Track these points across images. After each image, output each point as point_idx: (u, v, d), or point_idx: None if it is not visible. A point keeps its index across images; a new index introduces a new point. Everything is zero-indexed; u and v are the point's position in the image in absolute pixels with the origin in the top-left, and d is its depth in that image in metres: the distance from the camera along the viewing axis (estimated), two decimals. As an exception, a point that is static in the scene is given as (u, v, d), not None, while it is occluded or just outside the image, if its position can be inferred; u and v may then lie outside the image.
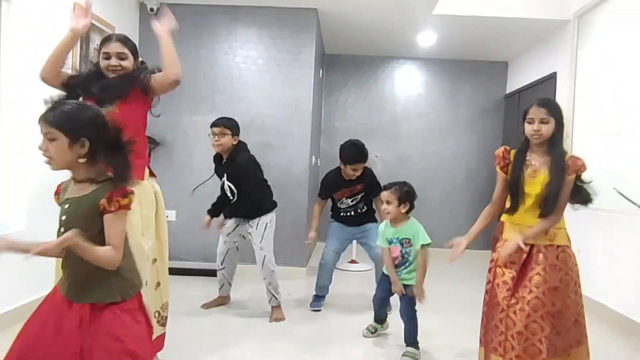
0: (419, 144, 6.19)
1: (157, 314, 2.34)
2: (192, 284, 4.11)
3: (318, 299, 3.63)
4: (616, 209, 3.54)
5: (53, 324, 1.50)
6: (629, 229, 3.43)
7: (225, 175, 3.34)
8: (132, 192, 1.54)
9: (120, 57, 2.19)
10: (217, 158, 3.43)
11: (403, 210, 2.79)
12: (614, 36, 3.82)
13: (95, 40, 3.70)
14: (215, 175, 3.52)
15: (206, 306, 3.52)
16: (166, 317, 2.45)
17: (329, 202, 3.74)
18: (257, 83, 4.60)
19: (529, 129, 2.25)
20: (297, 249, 4.60)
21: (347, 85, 6.22)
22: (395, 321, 3.04)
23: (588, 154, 4.07)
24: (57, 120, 1.45)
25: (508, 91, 6.09)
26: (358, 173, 3.47)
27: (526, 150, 2.31)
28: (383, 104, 6.21)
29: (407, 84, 6.23)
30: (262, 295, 3.45)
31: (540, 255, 2.21)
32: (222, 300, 3.60)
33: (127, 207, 1.52)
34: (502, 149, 2.41)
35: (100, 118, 1.54)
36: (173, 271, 4.21)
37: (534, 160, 2.28)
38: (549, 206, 2.18)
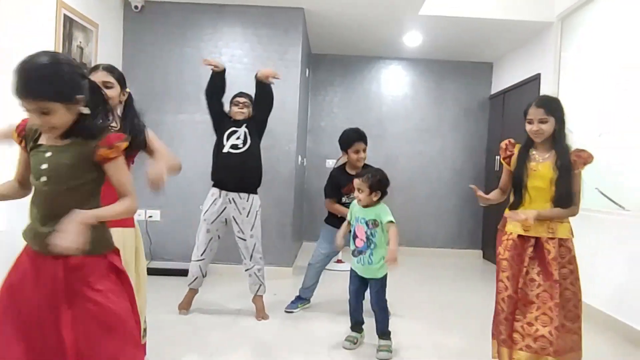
0: (405, 144, 6.21)
1: None
2: (175, 284, 4.07)
3: (297, 300, 3.58)
4: (598, 208, 3.59)
5: (31, 276, 1.46)
6: (611, 228, 3.49)
7: (242, 127, 3.36)
8: (126, 138, 1.52)
9: (106, 85, 2.12)
10: (225, 114, 3.45)
11: (374, 199, 2.81)
12: (596, 38, 3.87)
13: (78, 37, 3.65)
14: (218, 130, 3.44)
15: (184, 309, 3.39)
16: (145, 329, 2.32)
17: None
18: (243, 82, 4.55)
19: (529, 128, 2.33)
20: (283, 248, 4.59)
21: (334, 85, 6.22)
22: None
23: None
24: (44, 92, 1.34)
25: (493, 92, 6.14)
26: (363, 155, 3.43)
27: (530, 147, 2.39)
28: (369, 104, 6.22)
29: (393, 84, 6.25)
30: (242, 294, 3.41)
31: (544, 251, 2.27)
32: (194, 293, 3.46)
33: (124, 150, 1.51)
34: (506, 141, 2.50)
35: (78, 68, 1.47)
36: (157, 272, 4.22)
37: (538, 155, 2.35)
38: (562, 202, 2.26)
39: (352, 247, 2.91)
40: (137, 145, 2.08)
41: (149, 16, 4.50)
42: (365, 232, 2.80)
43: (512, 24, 4.71)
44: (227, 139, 3.34)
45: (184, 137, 4.52)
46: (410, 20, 4.75)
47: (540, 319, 2.20)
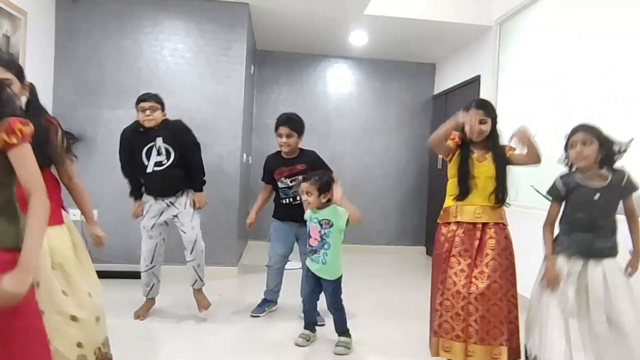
0: (351, 142, 6.26)
1: (97, 351, 2.03)
2: (117, 287, 3.89)
3: (263, 303, 3.47)
4: (531, 205, 3.75)
5: None
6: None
7: (157, 139, 3.12)
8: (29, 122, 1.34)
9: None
10: (135, 130, 3.18)
11: (323, 200, 2.80)
12: (532, 43, 4.05)
13: (4, 26, 3.40)
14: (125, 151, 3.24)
15: (140, 316, 3.27)
16: (107, 353, 2.15)
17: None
18: (185, 77, 4.44)
19: (469, 129, 2.45)
20: (228, 248, 4.50)
21: (279, 83, 6.17)
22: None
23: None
24: None
25: (436, 92, 6.30)
26: (285, 140, 3.26)
27: (469, 144, 2.52)
28: (315, 101, 6.21)
29: (339, 83, 6.27)
30: (187, 298, 3.32)
31: (493, 241, 2.38)
32: (152, 303, 3.39)
33: (30, 137, 1.33)
34: (456, 134, 2.55)
35: None
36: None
37: (477, 152, 2.50)
38: (500, 194, 2.43)
39: (307, 247, 2.89)
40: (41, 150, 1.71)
41: (85, 6, 4.26)
42: (319, 232, 2.78)
43: (453, 27, 4.84)
44: (148, 157, 3.15)
45: (122, 134, 4.32)
46: (355, 19, 4.77)
47: (492, 311, 2.27)
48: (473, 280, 2.33)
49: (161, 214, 3.21)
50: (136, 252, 4.27)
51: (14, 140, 1.30)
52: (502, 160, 2.47)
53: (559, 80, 3.64)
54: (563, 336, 2.15)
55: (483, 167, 2.46)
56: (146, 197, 3.26)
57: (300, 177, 3.19)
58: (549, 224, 2.38)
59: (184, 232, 3.22)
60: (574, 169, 2.34)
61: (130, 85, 4.33)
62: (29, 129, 1.34)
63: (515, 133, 2.36)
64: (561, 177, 2.37)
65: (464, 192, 2.46)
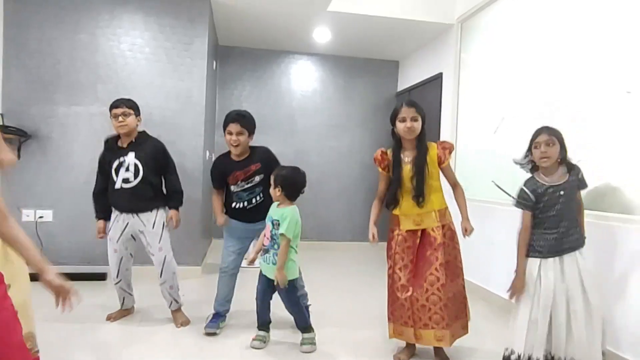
0: (316, 139, 6.25)
1: None
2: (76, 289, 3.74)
3: (217, 318, 3.09)
4: (494, 200, 3.84)
5: None
6: (505, 218, 3.74)
7: (129, 154, 3.03)
8: None
9: None
10: (112, 142, 3.11)
11: (277, 194, 2.74)
12: (493, 41, 4.13)
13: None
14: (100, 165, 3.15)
15: (112, 318, 3.19)
16: (37, 352, 1.98)
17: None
18: (144, 73, 4.31)
19: (402, 127, 2.57)
20: (191, 247, 4.41)
21: (242, 79, 6.08)
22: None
23: (469, 150, 4.39)
24: None
25: (399, 89, 6.36)
26: (235, 139, 2.95)
27: (399, 149, 2.66)
28: (279, 98, 6.17)
29: (303, 79, 6.24)
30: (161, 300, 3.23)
31: (431, 238, 2.58)
32: (127, 312, 3.30)
33: None
34: (379, 151, 2.77)
35: None
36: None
37: (406, 157, 2.64)
38: (418, 190, 2.55)
39: (262, 246, 2.84)
40: None
41: (36, -3, 4.07)
42: (271, 231, 2.73)
43: (415, 25, 4.88)
44: (117, 173, 3.04)
45: (79, 131, 4.17)
46: (319, 15, 4.75)
47: (430, 300, 2.50)
48: (414, 274, 2.59)
49: (126, 226, 3.08)
50: (93, 253, 4.15)
51: None
52: (421, 161, 2.59)
53: (519, 77, 3.73)
54: (526, 324, 2.36)
55: (406, 177, 2.66)
56: (113, 210, 3.15)
57: (256, 178, 3.03)
58: (524, 230, 2.46)
59: (152, 255, 3.10)
60: (530, 169, 2.49)
61: (87, 81, 4.18)
62: None
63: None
64: (525, 185, 2.46)
65: (393, 201, 2.71)
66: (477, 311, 2.80)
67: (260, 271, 2.87)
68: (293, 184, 2.74)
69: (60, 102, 4.15)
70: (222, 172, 3.08)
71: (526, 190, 2.42)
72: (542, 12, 3.49)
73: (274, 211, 2.77)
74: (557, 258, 2.37)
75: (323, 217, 6.15)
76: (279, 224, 2.68)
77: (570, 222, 2.38)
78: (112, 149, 3.10)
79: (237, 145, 2.98)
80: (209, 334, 2.99)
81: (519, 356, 2.38)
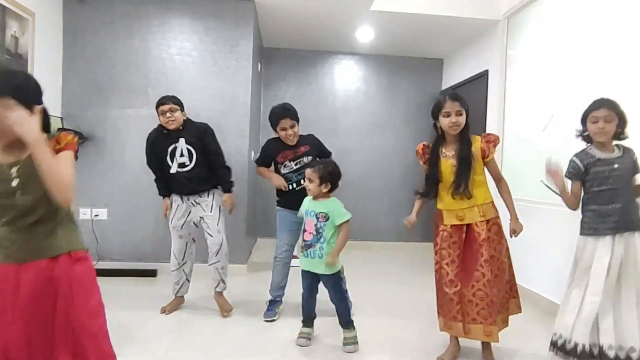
0: (358, 138, 6.25)
1: None
2: (125, 287, 3.93)
3: (273, 305, 3.33)
4: (541, 200, 3.73)
5: (10, 289, 1.51)
6: (552, 220, 3.62)
7: (180, 140, 3.20)
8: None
9: None
10: (159, 132, 3.27)
11: (324, 190, 2.78)
12: (540, 36, 4.01)
13: (13, 27, 3.43)
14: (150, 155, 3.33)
15: (167, 311, 3.34)
16: None
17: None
18: (192, 75, 4.45)
19: (447, 122, 2.52)
20: (237, 245, 4.51)
21: (286, 80, 6.17)
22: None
23: (517, 148, 4.28)
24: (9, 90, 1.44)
25: (443, 87, 6.27)
26: (290, 132, 3.22)
27: (440, 144, 2.62)
28: (322, 98, 6.21)
29: (346, 79, 6.26)
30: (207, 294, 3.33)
31: (475, 234, 2.53)
32: (181, 301, 3.47)
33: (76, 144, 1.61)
34: (421, 145, 2.74)
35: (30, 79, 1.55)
36: (104, 273, 4.04)
37: (449, 152, 2.59)
38: (458, 185, 2.51)
39: (300, 241, 2.87)
40: None
41: (92, 6, 4.29)
42: (315, 225, 2.75)
43: (460, 22, 4.80)
44: (171, 159, 3.23)
45: (130, 133, 4.36)
46: (362, 15, 4.76)
47: (477, 295, 2.48)
48: (461, 269, 2.56)
49: (189, 213, 3.29)
50: (144, 250, 4.34)
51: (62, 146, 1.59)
52: (466, 155, 2.54)
53: (568, 73, 3.61)
54: (577, 310, 2.34)
55: (448, 172, 2.62)
56: (174, 197, 3.33)
57: (305, 159, 3.26)
58: (572, 196, 2.47)
59: (211, 236, 3.29)
60: (588, 145, 2.45)
61: (138, 85, 4.36)
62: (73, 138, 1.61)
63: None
64: (576, 155, 2.45)
65: (431, 194, 2.75)
66: (521, 313, 2.74)
67: (302, 269, 2.89)
68: (339, 178, 2.84)
69: (114, 105, 4.35)
70: (272, 150, 3.32)
71: (575, 160, 2.43)
72: (592, 6, 3.36)
73: (314, 205, 2.80)
74: (613, 238, 2.30)
75: (364, 216, 6.14)
76: (325, 217, 2.73)
77: (627, 202, 2.31)
78: (161, 135, 3.25)
79: (294, 137, 3.25)
80: (268, 321, 3.22)
81: (566, 341, 2.34)
